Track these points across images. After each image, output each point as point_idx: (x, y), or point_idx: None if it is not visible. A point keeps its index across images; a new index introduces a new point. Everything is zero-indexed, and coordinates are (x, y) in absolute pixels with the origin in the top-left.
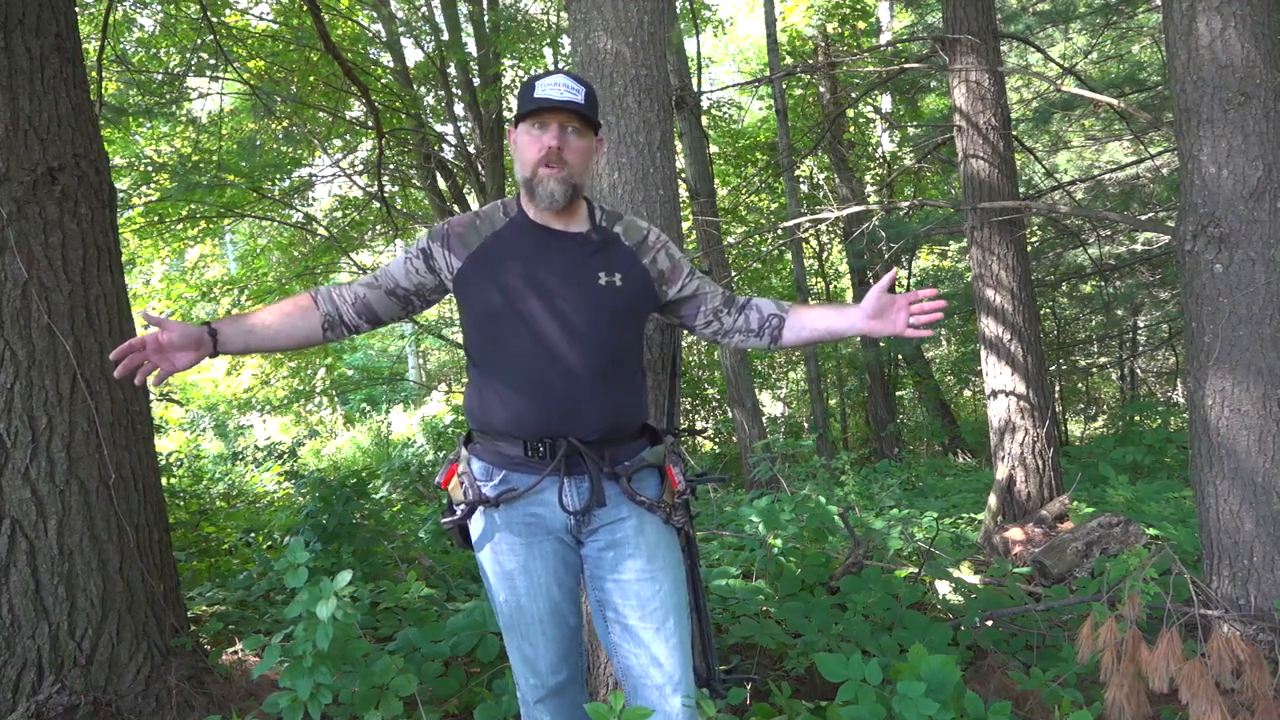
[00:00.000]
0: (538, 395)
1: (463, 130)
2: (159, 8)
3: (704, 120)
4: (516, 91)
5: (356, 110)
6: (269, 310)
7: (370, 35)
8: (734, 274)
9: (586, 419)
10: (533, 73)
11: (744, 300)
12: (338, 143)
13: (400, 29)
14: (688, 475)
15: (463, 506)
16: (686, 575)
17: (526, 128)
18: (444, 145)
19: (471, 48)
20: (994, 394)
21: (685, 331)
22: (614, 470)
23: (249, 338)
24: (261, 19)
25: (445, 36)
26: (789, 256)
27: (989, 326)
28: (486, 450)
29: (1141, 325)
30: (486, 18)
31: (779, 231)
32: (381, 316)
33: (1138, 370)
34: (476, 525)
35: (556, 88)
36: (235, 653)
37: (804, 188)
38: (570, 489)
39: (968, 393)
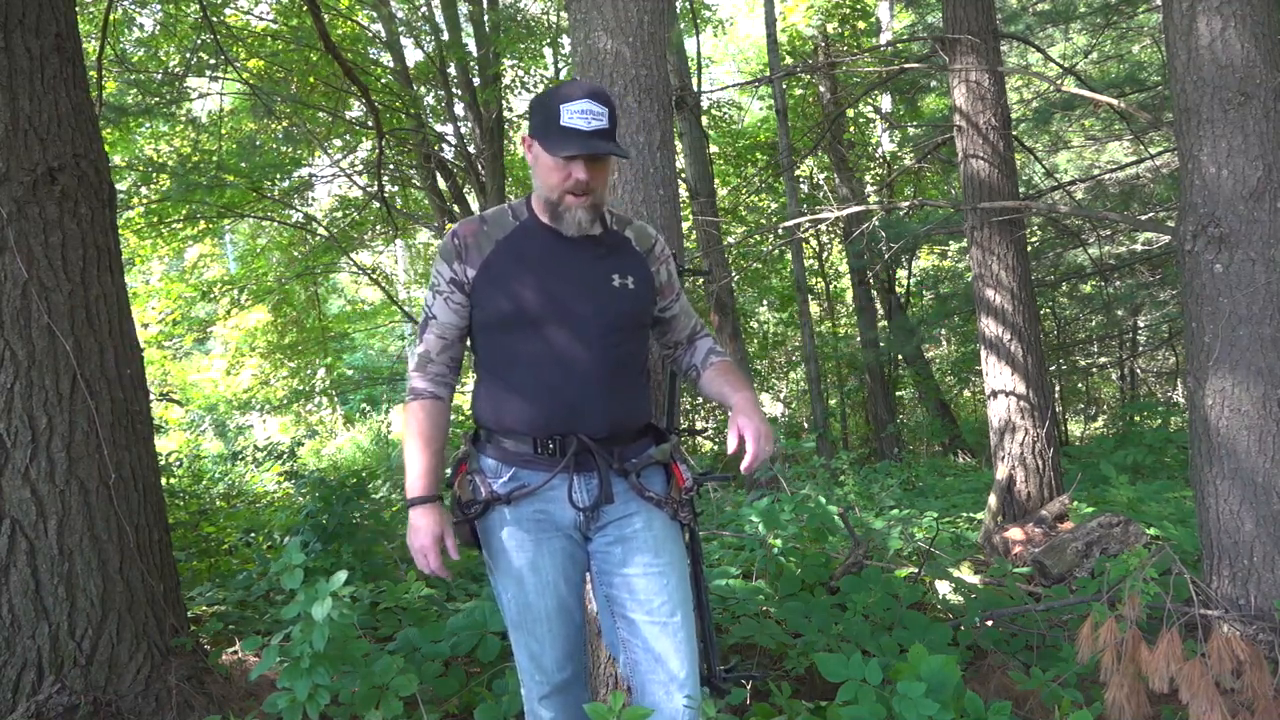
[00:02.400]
0: (546, 397)
1: (463, 130)
2: (159, 8)
3: (704, 120)
4: (532, 101)
5: (356, 110)
6: (427, 440)
7: (370, 35)
8: (734, 274)
9: (593, 419)
10: (554, 85)
11: (697, 336)
12: (338, 143)
13: (400, 29)
14: (694, 473)
15: (474, 505)
16: (690, 572)
17: (550, 154)
18: (444, 145)
19: (471, 48)
20: (994, 394)
21: None
22: (622, 467)
23: (439, 466)
24: (261, 19)
25: (445, 36)
26: (789, 256)
27: (989, 326)
28: (495, 448)
29: (1141, 325)
30: (486, 18)
31: (779, 231)
32: (462, 356)
33: (1138, 370)
34: (485, 522)
35: (585, 117)
36: (235, 653)
37: (804, 188)
38: (579, 486)
39: (968, 393)
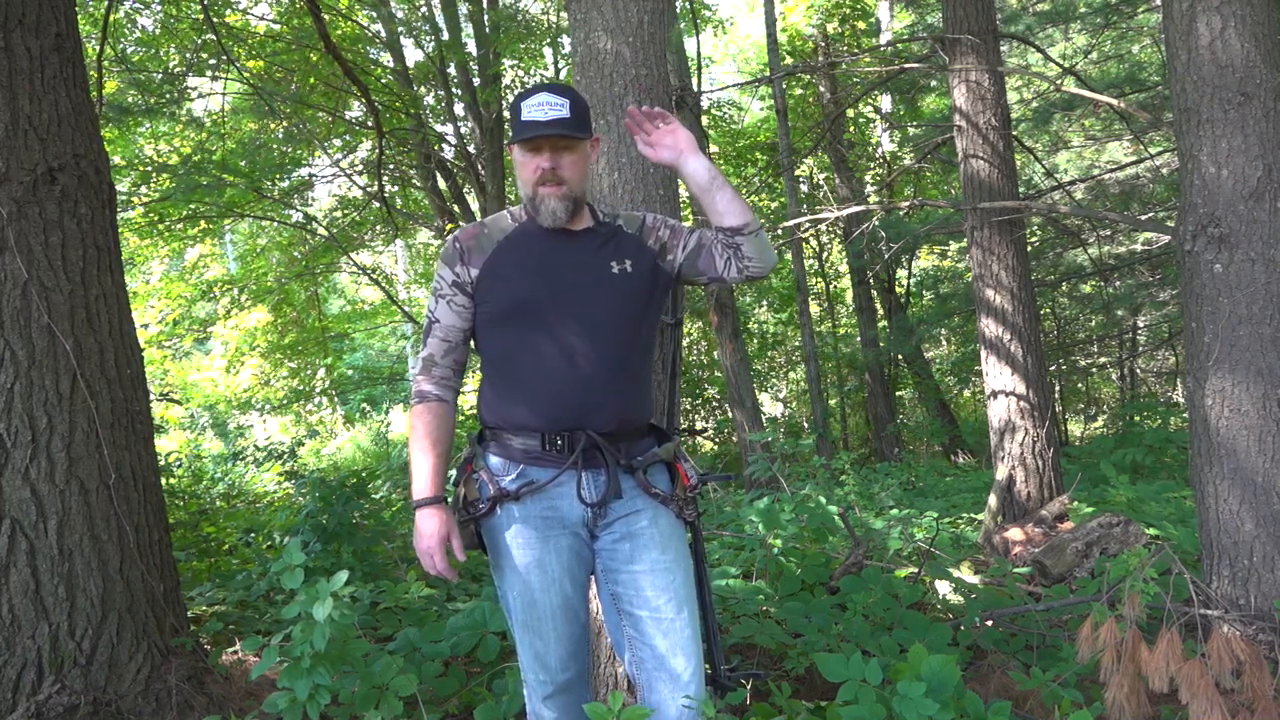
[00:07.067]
0: (554, 391)
1: (463, 130)
2: (159, 8)
3: (704, 120)
4: (509, 107)
5: (356, 110)
6: (433, 442)
7: (370, 35)
8: None
9: (601, 412)
10: (520, 89)
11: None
12: (338, 143)
13: (400, 29)
14: (697, 473)
15: (480, 504)
16: (694, 570)
17: (519, 150)
18: (444, 145)
19: (471, 48)
20: (994, 394)
21: (691, 317)
22: (629, 464)
23: (444, 469)
24: (262, 19)
25: (445, 36)
26: (789, 256)
27: (989, 326)
28: (501, 446)
29: (1141, 325)
30: (486, 18)
31: (779, 231)
32: (466, 359)
33: (1138, 370)
34: (492, 520)
35: (541, 109)
36: (235, 653)
37: (804, 188)
38: (588, 481)
39: (968, 393)
